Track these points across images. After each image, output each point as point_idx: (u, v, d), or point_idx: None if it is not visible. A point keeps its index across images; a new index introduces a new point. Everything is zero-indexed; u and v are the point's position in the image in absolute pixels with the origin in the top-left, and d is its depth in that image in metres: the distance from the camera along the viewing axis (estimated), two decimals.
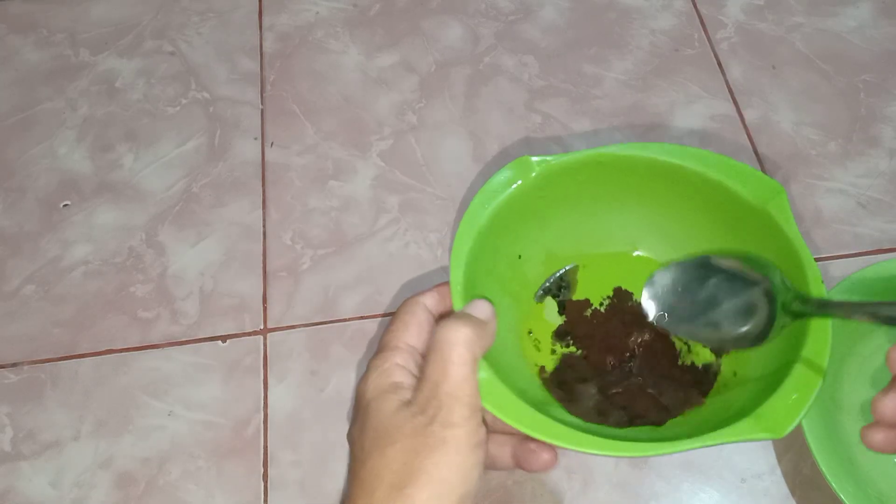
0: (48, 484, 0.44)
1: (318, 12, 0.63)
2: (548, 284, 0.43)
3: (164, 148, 0.56)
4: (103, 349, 0.49)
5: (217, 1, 0.64)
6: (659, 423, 0.37)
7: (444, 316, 0.34)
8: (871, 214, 0.52)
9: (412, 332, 0.33)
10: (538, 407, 0.32)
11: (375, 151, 0.56)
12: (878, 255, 0.51)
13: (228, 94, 0.59)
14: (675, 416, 0.37)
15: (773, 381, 0.32)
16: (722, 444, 0.30)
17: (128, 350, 0.48)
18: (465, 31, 0.62)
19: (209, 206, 0.54)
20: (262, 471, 0.45)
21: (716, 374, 0.39)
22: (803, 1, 0.63)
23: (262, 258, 0.52)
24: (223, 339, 0.49)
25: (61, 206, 0.54)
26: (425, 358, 0.31)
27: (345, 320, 0.49)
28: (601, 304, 0.43)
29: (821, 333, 0.32)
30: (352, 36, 0.62)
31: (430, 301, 0.35)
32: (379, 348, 0.33)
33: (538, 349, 0.42)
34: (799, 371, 0.32)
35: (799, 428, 0.40)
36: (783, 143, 0.55)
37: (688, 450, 0.30)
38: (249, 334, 0.49)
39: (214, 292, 0.50)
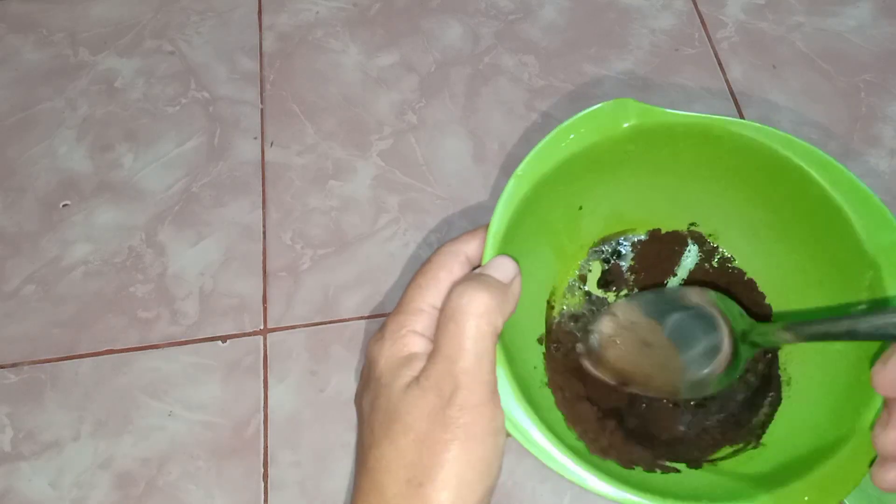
0: (48, 484, 0.44)
1: (317, 12, 0.63)
2: (606, 248, 0.39)
3: (163, 148, 0.56)
4: (103, 349, 0.49)
5: (217, 0, 0.64)
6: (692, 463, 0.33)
7: None
8: None
9: (442, 292, 0.28)
10: (532, 391, 0.29)
11: (375, 151, 0.56)
12: None
13: (228, 94, 0.59)
14: (713, 458, 0.33)
15: (814, 453, 0.29)
16: None
17: (128, 350, 0.48)
18: (465, 30, 0.62)
19: (209, 205, 0.54)
20: (262, 471, 0.45)
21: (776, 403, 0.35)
22: (804, 0, 0.63)
23: (262, 258, 0.52)
24: (223, 339, 0.49)
25: (61, 205, 0.54)
26: (438, 326, 0.27)
27: (345, 320, 0.49)
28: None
29: None
30: (352, 35, 0.62)
31: (473, 250, 0.29)
32: (399, 306, 0.28)
33: (553, 313, 0.38)
34: (844, 456, 0.27)
35: None
36: None
37: None
38: (249, 334, 0.49)
39: (214, 292, 0.50)
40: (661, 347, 0.34)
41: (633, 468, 0.32)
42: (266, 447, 0.45)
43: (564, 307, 0.39)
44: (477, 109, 0.58)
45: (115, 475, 0.45)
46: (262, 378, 0.47)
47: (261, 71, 0.60)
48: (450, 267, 0.28)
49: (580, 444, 0.32)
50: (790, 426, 0.34)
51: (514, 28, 0.62)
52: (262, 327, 0.49)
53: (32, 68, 0.61)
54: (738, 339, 0.32)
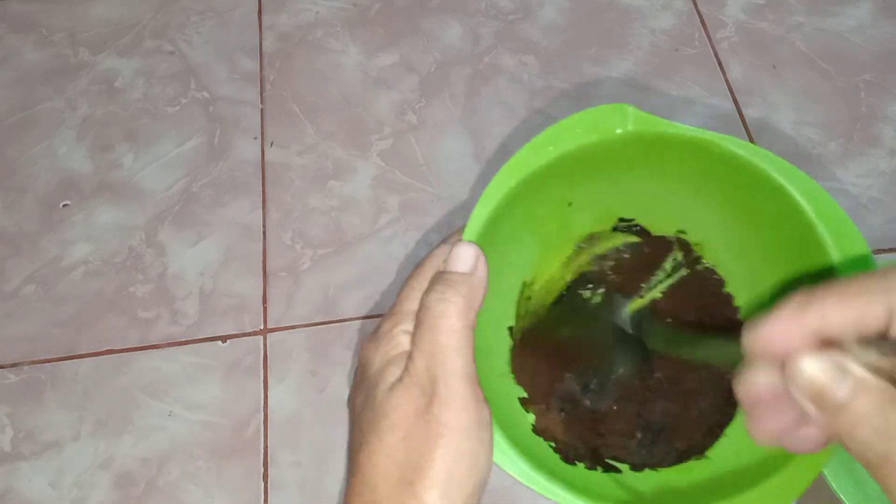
0: (48, 484, 0.44)
1: (317, 12, 0.63)
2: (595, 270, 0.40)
3: (163, 147, 0.56)
4: (103, 349, 0.48)
5: (216, 0, 0.64)
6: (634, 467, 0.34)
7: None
8: (872, 214, 0.52)
9: None
10: (490, 381, 0.30)
11: (375, 151, 0.56)
12: (879, 255, 0.51)
13: (228, 94, 0.59)
14: (659, 466, 0.34)
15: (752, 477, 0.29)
16: None
17: (128, 350, 0.48)
18: (465, 30, 0.62)
19: (209, 205, 0.54)
20: (262, 471, 0.45)
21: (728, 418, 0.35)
22: (804, 0, 0.63)
23: (262, 258, 0.52)
24: (223, 339, 0.49)
25: (61, 205, 0.54)
26: (415, 328, 0.28)
27: (345, 320, 0.49)
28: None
29: None
30: (352, 35, 0.62)
31: None
32: (393, 307, 0.29)
33: (528, 304, 0.39)
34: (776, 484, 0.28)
35: None
36: (784, 142, 0.55)
37: None
38: (249, 334, 0.49)
39: (214, 292, 0.50)
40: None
41: (576, 464, 0.33)
42: (266, 447, 0.45)
43: (541, 297, 0.39)
44: (477, 109, 0.58)
45: (115, 475, 0.45)
46: (262, 378, 0.47)
47: (261, 71, 0.60)
48: (437, 268, 0.30)
49: (532, 435, 0.33)
50: (736, 442, 0.34)
51: (514, 28, 0.62)
52: (262, 327, 0.49)
53: (32, 68, 0.61)
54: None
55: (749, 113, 0.57)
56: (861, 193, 0.53)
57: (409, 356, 0.27)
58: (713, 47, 0.60)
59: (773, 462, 0.29)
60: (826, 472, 0.37)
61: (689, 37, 0.61)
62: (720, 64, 0.59)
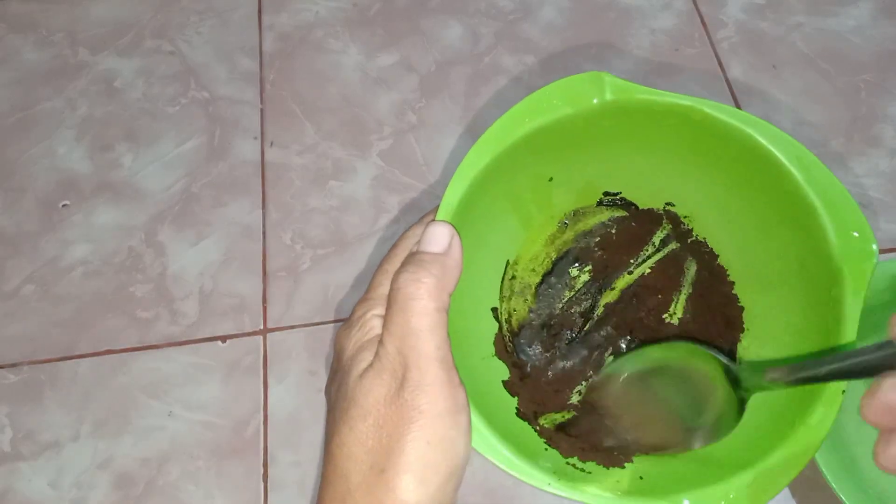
0: (47, 484, 0.44)
1: (317, 12, 0.63)
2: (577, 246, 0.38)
3: (163, 147, 0.56)
4: (103, 349, 0.48)
5: (216, 0, 0.64)
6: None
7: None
8: (872, 214, 0.52)
9: None
10: (473, 362, 0.29)
11: (375, 151, 0.56)
12: (880, 256, 0.51)
13: (228, 94, 0.59)
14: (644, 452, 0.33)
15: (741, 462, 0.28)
16: None
17: (127, 350, 0.48)
18: (465, 30, 0.62)
19: (209, 205, 0.54)
20: (261, 471, 0.45)
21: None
22: (804, 0, 0.63)
23: (261, 258, 0.52)
24: (223, 339, 0.49)
25: (60, 205, 0.54)
26: (386, 312, 0.27)
27: (344, 320, 0.49)
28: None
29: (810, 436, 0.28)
30: (351, 35, 0.62)
31: None
32: (367, 293, 0.28)
33: (513, 284, 0.37)
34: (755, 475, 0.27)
35: None
36: None
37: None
38: (249, 334, 0.49)
39: (214, 292, 0.50)
40: (654, 403, 0.33)
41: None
42: (266, 447, 0.45)
43: (526, 277, 0.38)
44: (477, 109, 0.58)
45: (114, 475, 0.45)
46: (261, 378, 0.47)
47: (261, 71, 0.60)
48: (411, 249, 0.28)
49: (512, 417, 0.33)
50: None
51: (514, 28, 0.62)
52: (261, 327, 0.49)
53: (32, 68, 0.61)
54: (730, 387, 0.31)
55: (749, 112, 0.57)
56: (862, 193, 0.53)
57: (380, 340, 0.26)
58: (713, 47, 0.60)
59: (761, 448, 0.28)
60: (826, 473, 0.37)
61: (689, 37, 0.61)
62: (720, 64, 0.59)
